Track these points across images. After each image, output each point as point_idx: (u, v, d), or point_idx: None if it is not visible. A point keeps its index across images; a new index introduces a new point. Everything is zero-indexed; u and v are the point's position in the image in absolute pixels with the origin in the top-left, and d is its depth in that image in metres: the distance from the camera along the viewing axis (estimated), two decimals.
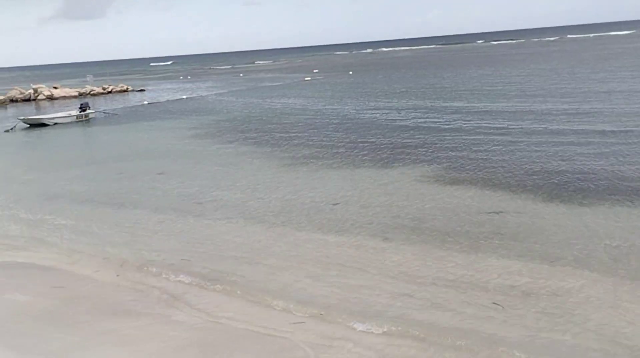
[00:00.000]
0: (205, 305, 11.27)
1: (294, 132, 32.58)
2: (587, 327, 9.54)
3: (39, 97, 71.41)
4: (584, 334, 9.32)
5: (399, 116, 36.17)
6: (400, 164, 22.65)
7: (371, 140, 28.24)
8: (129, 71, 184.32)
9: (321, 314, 10.52)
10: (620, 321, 9.67)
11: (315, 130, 32.89)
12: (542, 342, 9.20)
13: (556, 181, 18.58)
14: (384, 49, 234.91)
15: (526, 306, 10.37)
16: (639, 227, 14.13)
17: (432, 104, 41.30)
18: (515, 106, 36.50)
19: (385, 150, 25.53)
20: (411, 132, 29.86)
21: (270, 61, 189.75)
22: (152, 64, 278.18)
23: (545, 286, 11.16)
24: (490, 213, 15.94)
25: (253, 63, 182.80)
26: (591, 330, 9.41)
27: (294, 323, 10.19)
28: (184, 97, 64.25)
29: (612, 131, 25.63)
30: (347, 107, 42.96)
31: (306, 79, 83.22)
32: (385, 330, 9.81)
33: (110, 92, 77.44)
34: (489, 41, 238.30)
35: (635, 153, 21.48)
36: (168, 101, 61.29)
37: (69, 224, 17.47)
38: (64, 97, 71.70)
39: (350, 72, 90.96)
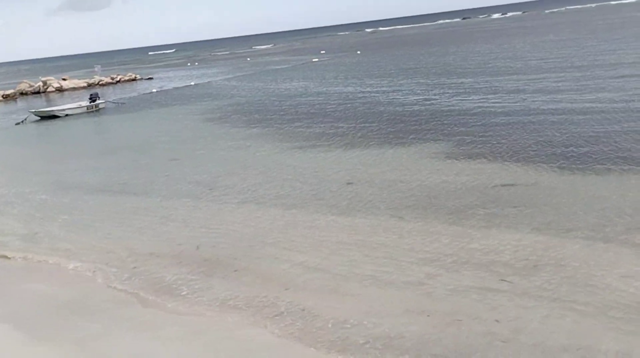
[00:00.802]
0: (220, 291, 11.39)
1: (303, 115, 32.63)
2: (600, 297, 9.60)
3: (48, 90, 71.60)
4: (597, 304, 9.40)
5: (407, 95, 36.12)
6: (410, 142, 22.68)
7: (380, 119, 28.25)
8: (136, 60, 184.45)
9: (336, 294, 10.67)
10: (637, 290, 9.74)
11: (325, 111, 32.90)
12: (551, 314, 9.28)
13: (567, 154, 18.57)
14: (382, 29, 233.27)
15: (537, 279, 10.45)
16: None
17: (439, 81, 41.18)
18: (522, 80, 36.34)
19: (395, 129, 25.56)
20: (419, 110, 29.84)
21: (270, 45, 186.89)
22: (150, 52, 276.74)
23: (558, 257, 11.22)
24: (502, 186, 16.02)
25: (251, 48, 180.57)
26: (606, 300, 9.47)
27: (305, 312, 10.31)
28: (192, 83, 64.29)
29: (622, 103, 25.52)
30: (355, 88, 42.93)
31: (313, 60, 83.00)
32: (392, 310, 9.96)
33: (118, 81, 77.56)
34: (491, 15, 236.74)
35: None
36: (176, 88, 61.38)
37: (83, 214, 17.68)
38: (73, 89, 71.85)
39: (358, 52, 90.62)
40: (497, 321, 9.18)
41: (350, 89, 42.73)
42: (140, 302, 11.18)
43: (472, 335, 8.85)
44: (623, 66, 37.03)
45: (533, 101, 28.52)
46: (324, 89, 44.65)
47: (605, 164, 17.05)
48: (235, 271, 12.22)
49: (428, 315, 9.57)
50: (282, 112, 34.37)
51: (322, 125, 28.54)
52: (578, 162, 17.57)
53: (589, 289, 9.88)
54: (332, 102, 36.50)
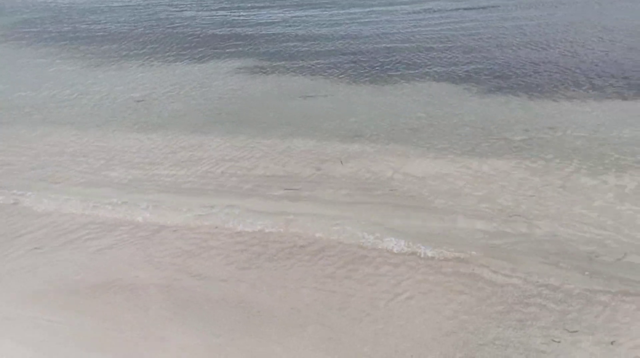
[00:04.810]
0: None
1: (98, 31, 30.54)
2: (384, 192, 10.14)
3: None
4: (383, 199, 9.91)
5: (212, 10, 35.22)
6: (214, 58, 22.14)
7: (185, 35, 27.31)
8: None
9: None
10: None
11: (123, 27, 31.06)
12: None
13: (363, 64, 19.23)
14: None
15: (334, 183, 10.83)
16: (441, 100, 15.26)
17: None
18: None
19: (199, 45, 24.79)
20: (225, 26, 29.26)
21: None
22: None
23: (355, 163, 11.76)
24: (302, 97, 16.40)
25: None
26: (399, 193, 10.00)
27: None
28: None
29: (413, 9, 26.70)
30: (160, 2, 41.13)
31: None
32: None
33: None
34: None
35: (437, 28, 22.75)
36: None
37: None
38: None
39: None
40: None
41: (155, 2, 40.79)
42: None
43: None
44: None
45: (333, 13, 28.98)
46: (125, 3, 42.19)
47: (397, 73, 17.94)
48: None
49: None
50: (70, 29, 31.87)
51: (117, 42, 27.03)
52: (372, 72, 18.29)
53: (379, 184, 10.38)
54: (130, 16, 34.57)
